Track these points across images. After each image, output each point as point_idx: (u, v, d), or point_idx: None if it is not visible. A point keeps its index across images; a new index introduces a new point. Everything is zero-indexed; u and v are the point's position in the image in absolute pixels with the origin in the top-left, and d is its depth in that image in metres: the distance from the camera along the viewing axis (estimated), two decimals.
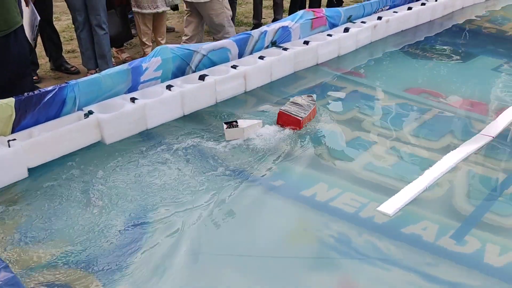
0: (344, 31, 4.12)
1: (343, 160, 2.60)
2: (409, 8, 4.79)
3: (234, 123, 2.76)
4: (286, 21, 3.81)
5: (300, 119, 2.82)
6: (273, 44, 3.75)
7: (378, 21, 4.42)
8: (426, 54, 4.12)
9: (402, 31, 4.67)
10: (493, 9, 5.70)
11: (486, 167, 2.53)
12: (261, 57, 3.52)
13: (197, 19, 3.95)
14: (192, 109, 3.07)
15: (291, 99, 3.01)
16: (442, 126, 2.94)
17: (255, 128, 2.79)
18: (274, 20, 5.49)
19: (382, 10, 4.65)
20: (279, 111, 2.89)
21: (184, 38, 4.07)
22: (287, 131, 2.82)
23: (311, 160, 2.59)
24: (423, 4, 4.94)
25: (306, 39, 3.90)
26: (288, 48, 3.70)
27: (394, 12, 4.68)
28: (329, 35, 4.03)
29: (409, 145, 2.74)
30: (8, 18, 2.67)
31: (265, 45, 3.69)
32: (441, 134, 2.84)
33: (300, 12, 3.94)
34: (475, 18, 5.26)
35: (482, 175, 2.46)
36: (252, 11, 5.53)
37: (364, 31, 4.27)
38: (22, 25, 2.85)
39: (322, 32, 4.10)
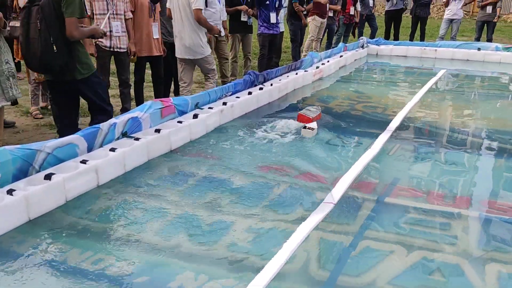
0: (194, 117, 4.33)
1: (206, 245, 2.62)
2: (250, 93, 5.27)
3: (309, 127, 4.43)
4: (135, 112, 3.86)
5: (310, 117, 4.64)
6: (124, 135, 3.74)
7: (224, 106, 4.75)
8: (270, 133, 4.50)
9: (246, 113, 5.08)
10: (319, 89, 6.59)
11: (333, 232, 2.80)
12: (112, 149, 3.47)
13: (190, 68, 5.56)
14: (39, 212, 2.83)
15: (306, 107, 4.90)
16: (292, 199, 3.19)
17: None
18: (123, 109, 5.50)
19: (226, 96, 5.03)
20: (299, 113, 4.72)
21: (183, 85, 5.53)
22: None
23: (174, 249, 2.56)
24: (261, 88, 5.49)
25: (158, 127, 3.98)
26: (140, 138, 3.73)
27: (237, 97, 5.09)
28: (180, 122, 4.18)
29: (267, 220, 2.90)
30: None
31: (116, 137, 3.65)
32: (292, 207, 3.09)
33: (149, 103, 4.04)
34: (306, 97, 6.00)
35: (331, 241, 2.72)
36: None
37: (212, 116, 4.54)
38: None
39: (172, 119, 4.24)
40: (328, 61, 7.56)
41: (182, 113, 4.38)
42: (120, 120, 3.69)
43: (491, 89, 6.91)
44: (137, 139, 3.70)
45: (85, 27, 3.93)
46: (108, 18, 4.61)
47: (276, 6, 7.08)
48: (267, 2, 6.92)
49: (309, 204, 3.11)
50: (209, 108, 4.64)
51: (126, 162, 3.49)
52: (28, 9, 3.49)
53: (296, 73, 6.49)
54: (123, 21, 5.17)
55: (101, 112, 3.91)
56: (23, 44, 3.58)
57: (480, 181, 3.61)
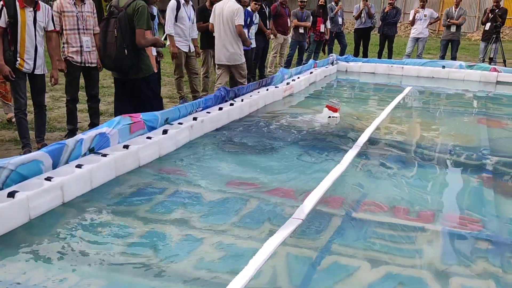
0: (163, 133, 4.30)
1: (174, 262, 2.60)
2: (220, 109, 5.28)
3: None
4: (103, 128, 3.81)
5: (337, 108, 5.63)
6: (91, 151, 3.68)
7: (194, 121, 4.75)
8: (240, 148, 4.53)
9: (216, 129, 5.08)
10: (290, 105, 6.66)
11: (301, 248, 2.82)
12: (78, 166, 3.41)
13: (226, 73, 6.64)
14: (2, 231, 2.74)
15: (330, 100, 5.84)
16: (260, 215, 3.20)
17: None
18: (91, 124, 5.42)
19: (196, 111, 5.03)
20: (326, 105, 5.68)
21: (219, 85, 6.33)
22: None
23: (141, 267, 2.53)
24: (231, 104, 5.51)
25: (126, 143, 3.94)
26: (107, 154, 3.68)
27: (207, 112, 5.10)
28: (149, 137, 4.15)
29: (236, 237, 2.90)
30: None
31: (83, 153, 3.60)
32: (261, 222, 3.10)
33: (117, 118, 4.00)
34: (277, 113, 6.06)
35: (299, 256, 2.73)
36: (66, 116, 5.36)
37: (182, 132, 4.52)
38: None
39: (141, 135, 4.20)
40: (298, 78, 7.67)
41: (151, 128, 4.35)
42: (87, 136, 3.64)
43: (455, 106, 7.14)
44: (104, 155, 3.65)
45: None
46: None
47: (248, 22, 7.17)
48: None
49: (278, 220, 3.13)
50: (179, 123, 4.62)
51: (93, 178, 3.44)
52: (107, 21, 4.38)
53: (267, 89, 6.56)
54: (93, 36, 5.13)
55: (156, 102, 4.67)
56: (101, 48, 4.49)
57: (444, 196, 3.71)
